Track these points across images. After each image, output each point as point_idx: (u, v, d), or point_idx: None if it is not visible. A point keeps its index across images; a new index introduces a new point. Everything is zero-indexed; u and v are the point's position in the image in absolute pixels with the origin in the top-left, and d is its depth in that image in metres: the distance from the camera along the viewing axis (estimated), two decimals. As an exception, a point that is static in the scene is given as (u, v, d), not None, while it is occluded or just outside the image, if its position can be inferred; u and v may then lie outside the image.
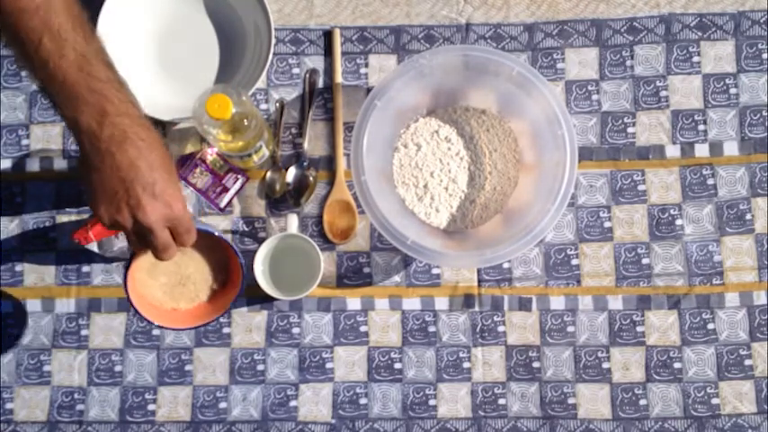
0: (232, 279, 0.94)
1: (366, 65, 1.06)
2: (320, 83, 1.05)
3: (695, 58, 1.05)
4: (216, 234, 0.89)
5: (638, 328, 1.00)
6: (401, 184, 1.02)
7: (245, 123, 0.91)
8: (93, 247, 0.95)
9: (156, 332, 1.00)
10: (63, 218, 1.03)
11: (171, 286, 0.94)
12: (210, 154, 1.02)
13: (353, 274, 1.02)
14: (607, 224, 1.02)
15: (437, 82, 0.98)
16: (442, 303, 1.01)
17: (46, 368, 1.01)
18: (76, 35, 0.65)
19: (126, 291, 0.88)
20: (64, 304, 1.01)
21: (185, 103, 0.95)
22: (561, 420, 0.98)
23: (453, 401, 0.99)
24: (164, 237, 0.71)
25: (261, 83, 1.04)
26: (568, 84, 1.05)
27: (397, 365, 1.00)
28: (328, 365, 1.00)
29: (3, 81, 1.06)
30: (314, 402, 0.99)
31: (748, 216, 1.02)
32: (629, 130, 1.04)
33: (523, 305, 1.01)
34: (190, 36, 1.06)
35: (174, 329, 0.92)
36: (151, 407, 1.00)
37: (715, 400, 0.98)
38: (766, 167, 1.03)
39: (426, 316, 1.01)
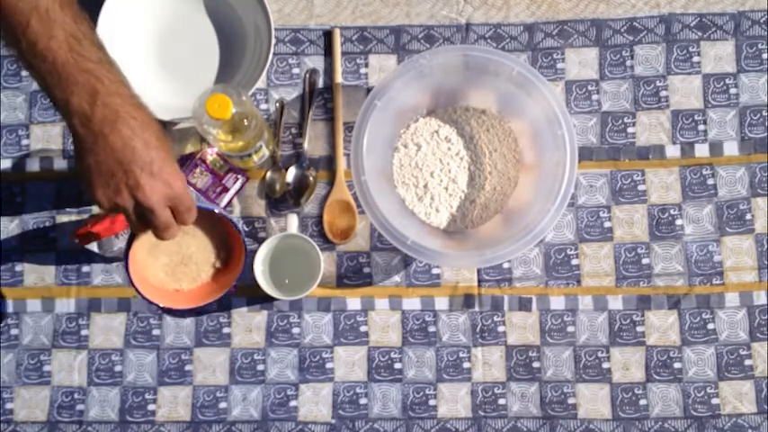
0: (234, 257, 0.93)
1: (366, 65, 1.06)
2: (320, 83, 1.05)
3: (695, 58, 1.05)
4: (216, 211, 0.88)
5: (638, 328, 1.00)
6: (401, 184, 1.02)
7: (245, 123, 0.91)
8: (93, 247, 0.95)
9: (156, 332, 1.01)
10: (63, 218, 1.03)
11: (173, 266, 0.94)
12: (210, 154, 1.02)
13: (353, 274, 1.02)
14: (607, 224, 1.02)
15: (437, 82, 0.98)
16: (441, 303, 1.01)
17: (46, 368, 1.01)
18: (65, 16, 0.63)
19: (128, 273, 0.86)
20: (64, 304, 1.01)
21: (185, 103, 0.95)
22: (561, 420, 0.98)
23: (453, 401, 0.99)
24: (165, 216, 0.69)
25: (261, 83, 1.04)
26: (568, 84, 1.05)
27: (397, 365, 1.00)
28: (328, 365, 1.00)
29: (3, 81, 1.06)
30: (314, 402, 0.99)
31: (748, 216, 1.02)
32: (629, 130, 1.04)
33: (523, 305, 1.01)
34: (190, 36, 1.06)
35: (178, 310, 0.90)
36: (151, 407, 1.00)
37: (715, 400, 0.98)
38: (766, 167, 1.03)
39: (426, 316, 1.01)
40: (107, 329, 1.01)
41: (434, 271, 1.02)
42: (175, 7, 1.05)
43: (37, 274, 1.02)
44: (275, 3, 1.06)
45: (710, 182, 1.02)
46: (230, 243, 0.94)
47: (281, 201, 1.03)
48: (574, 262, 1.01)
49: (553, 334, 1.00)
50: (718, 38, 1.05)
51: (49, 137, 1.05)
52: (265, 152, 1.01)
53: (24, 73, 1.06)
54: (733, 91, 1.04)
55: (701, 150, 1.03)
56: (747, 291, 1.00)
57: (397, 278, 1.01)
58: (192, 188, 1.00)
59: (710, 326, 1.00)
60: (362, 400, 0.99)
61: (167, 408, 1.00)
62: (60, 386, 1.00)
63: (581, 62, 1.05)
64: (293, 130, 1.05)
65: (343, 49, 1.06)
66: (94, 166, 0.66)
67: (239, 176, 1.02)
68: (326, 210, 1.02)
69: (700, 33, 1.05)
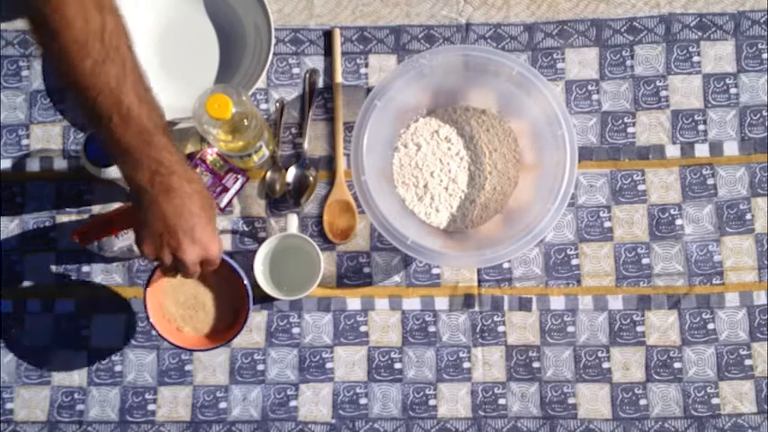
0: (237, 321, 0.94)
1: (366, 65, 1.06)
2: (320, 83, 1.05)
3: (695, 58, 1.05)
4: (244, 282, 0.92)
5: (638, 328, 1.00)
6: (401, 184, 1.02)
7: (245, 123, 0.91)
8: (94, 247, 0.95)
9: (156, 332, 1.00)
10: (63, 218, 1.03)
11: (185, 308, 0.96)
12: (210, 154, 1.02)
13: (353, 274, 1.02)
14: (607, 224, 1.02)
15: (437, 82, 0.98)
16: (441, 303, 1.01)
17: (46, 368, 1.00)
18: (141, 111, 0.74)
19: (145, 292, 0.91)
20: (64, 304, 1.01)
21: (185, 103, 0.95)
22: (561, 420, 0.98)
23: (453, 401, 0.99)
24: (194, 270, 0.82)
25: (261, 83, 1.04)
26: (568, 84, 1.05)
27: (397, 365, 1.00)
28: (328, 365, 1.00)
29: (3, 81, 1.06)
30: (314, 402, 0.99)
31: (748, 216, 1.02)
32: (629, 130, 1.04)
33: (523, 305, 1.01)
34: (190, 36, 1.06)
35: (170, 343, 0.93)
36: (151, 407, 1.00)
37: (715, 400, 0.98)
38: (766, 167, 1.03)
39: (426, 316, 1.01)
40: (107, 329, 1.01)
41: (434, 271, 1.02)
42: (175, 7, 1.05)
43: (37, 274, 1.02)
44: (275, 3, 1.06)
45: (710, 182, 1.02)
46: (239, 306, 0.95)
47: (281, 201, 1.03)
48: (574, 262, 1.01)
49: (553, 334, 1.00)
50: (718, 38, 1.05)
51: (49, 137, 1.05)
52: (265, 152, 1.01)
53: (24, 73, 1.06)
54: (733, 91, 1.04)
55: (701, 150, 1.03)
56: (747, 291, 1.00)
57: (397, 278, 1.01)
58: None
59: (710, 326, 1.00)
60: (362, 400, 0.99)
61: (167, 408, 1.00)
62: (60, 386, 1.00)
63: (581, 62, 1.05)
64: (293, 130, 1.05)
65: (343, 49, 1.06)
66: (147, 225, 0.78)
67: (239, 176, 1.02)
68: (326, 210, 1.02)
69: (700, 33, 1.05)
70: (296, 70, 1.06)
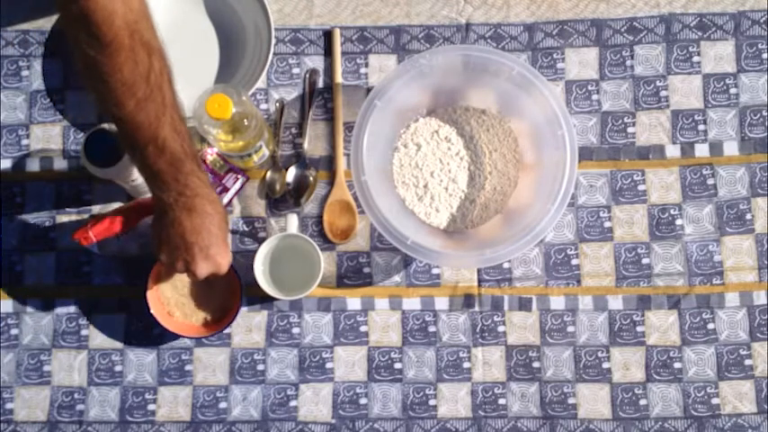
0: (226, 316, 0.98)
1: (366, 65, 1.06)
2: (320, 83, 1.05)
3: (695, 58, 1.05)
4: (240, 282, 0.96)
5: (638, 328, 1.00)
6: (401, 184, 1.02)
7: (245, 123, 0.91)
8: (94, 247, 0.95)
9: (156, 332, 1.00)
10: (63, 218, 1.03)
11: (180, 294, 0.99)
12: (210, 154, 1.02)
13: (353, 274, 1.02)
14: (607, 224, 1.02)
15: (437, 82, 0.98)
16: (442, 303, 1.01)
17: (46, 368, 1.00)
18: (174, 143, 0.79)
19: (148, 279, 0.96)
20: (64, 304, 1.01)
21: (185, 103, 0.95)
22: (561, 420, 0.98)
23: (453, 401, 0.99)
24: (201, 278, 0.87)
25: (261, 83, 1.04)
26: (568, 84, 1.05)
27: (397, 365, 1.00)
28: (328, 365, 1.00)
29: (3, 81, 1.06)
30: (314, 402, 0.99)
31: (748, 216, 1.02)
32: (629, 129, 1.04)
33: (523, 305, 1.01)
34: (190, 36, 1.06)
35: (164, 327, 0.97)
36: (151, 407, 1.00)
37: (715, 400, 0.98)
38: (766, 167, 1.03)
39: (426, 316, 1.01)
40: (107, 329, 1.01)
41: (434, 271, 1.02)
42: (175, 7, 1.05)
43: (37, 274, 1.02)
44: (275, 3, 1.06)
45: (710, 182, 1.02)
46: (230, 303, 0.98)
47: (281, 201, 1.03)
48: (574, 262, 1.01)
49: (553, 334, 1.00)
50: (718, 38, 1.05)
51: (49, 137, 1.05)
52: (265, 152, 1.01)
53: (24, 73, 1.06)
54: (733, 91, 1.04)
55: (701, 150, 1.03)
56: (747, 291, 1.00)
57: (397, 278, 1.01)
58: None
59: (710, 326, 1.00)
60: (362, 400, 0.99)
61: (167, 408, 1.00)
62: (60, 386, 1.00)
63: (581, 62, 1.05)
64: (293, 130, 1.05)
65: (343, 49, 1.06)
66: (166, 237, 0.84)
67: (239, 176, 1.02)
68: (326, 210, 1.02)
69: (700, 33, 1.05)
70: (296, 70, 1.06)
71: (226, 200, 1.02)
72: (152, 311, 0.96)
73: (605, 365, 0.99)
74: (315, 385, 1.00)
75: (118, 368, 1.00)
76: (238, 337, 1.01)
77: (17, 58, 1.06)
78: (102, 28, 0.72)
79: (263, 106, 1.05)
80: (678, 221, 1.02)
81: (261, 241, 0.99)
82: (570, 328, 1.00)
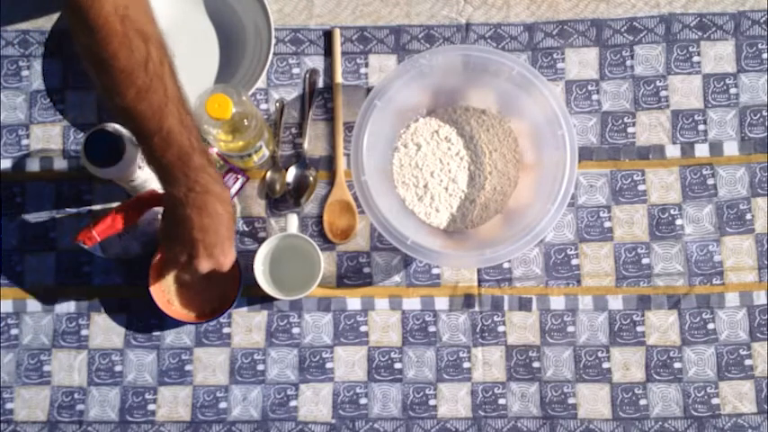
0: (222, 306, 0.98)
1: (366, 65, 1.06)
2: (320, 83, 1.05)
3: (695, 58, 1.05)
4: (240, 271, 0.97)
5: (638, 328, 1.00)
6: (401, 184, 1.02)
7: (245, 123, 0.91)
8: (97, 250, 0.95)
9: (156, 332, 1.01)
10: (63, 218, 1.03)
11: (180, 283, 0.99)
12: (210, 154, 1.02)
13: (353, 274, 1.02)
14: (607, 224, 1.02)
15: (437, 82, 0.98)
16: (442, 303, 1.01)
17: (46, 368, 1.00)
18: (181, 136, 0.79)
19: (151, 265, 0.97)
20: (64, 304, 1.01)
21: (185, 103, 0.95)
22: (561, 420, 0.98)
23: (453, 401, 0.99)
24: (203, 272, 0.88)
25: (261, 83, 1.04)
26: (568, 84, 1.05)
27: (397, 365, 1.00)
28: (328, 365, 1.00)
29: (3, 81, 1.06)
30: (314, 402, 0.99)
31: (748, 216, 1.02)
32: (629, 130, 1.04)
33: (523, 305, 1.01)
34: (190, 36, 1.06)
35: (161, 310, 0.97)
36: (151, 407, 1.00)
37: (715, 400, 0.98)
38: (766, 167, 1.03)
39: (426, 316, 1.01)
40: (107, 329, 1.01)
41: (434, 271, 1.02)
42: (175, 7, 1.05)
43: (37, 274, 1.02)
44: (275, 3, 1.06)
45: (710, 182, 1.02)
46: (230, 292, 0.98)
47: (281, 201, 1.03)
48: (574, 262, 1.01)
49: (553, 334, 1.00)
50: (718, 38, 1.05)
51: (49, 137, 1.05)
52: (265, 152, 1.01)
53: (24, 73, 1.06)
54: (733, 91, 1.04)
55: (701, 150, 1.03)
56: (747, 291, 1.00)
57: (397, 278, 1.01)
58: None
59: (710, 326, 1.00)
60: (362, 400, 0.99)
61: (167, 408, 1.00)
62: (60, 386, 1.00)
63: (581, 62, 1.05)
64: (293, 130, 1.05)
65: (343, 49, 1.06)
66: (175, 233, 0.85)
67: (239, 176, 1.02)
68: (326, 210, 1.02)
69: (700, 33, 1.05)
70: (296, 70, 1.06)
71: (226, 200, 1.02)
72: (153, 297, 0.96)
73: (605, 365, 0.99)
74: (315, 385, 1.00)
75: (118, 368, 1.00)
76: (238, 337, 1.01)
77: (17, 58, 1.06)
78: (91, 13, 0.73)
79: (263, 106, 1.05)
80: (678, 221, 1.02)
81: (261, 241, 0.99)
82: (570, 328, 1.00)
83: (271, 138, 1.02)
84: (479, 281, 1.01)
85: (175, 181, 0.81)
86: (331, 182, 1.03)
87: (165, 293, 0.99)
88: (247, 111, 0.91)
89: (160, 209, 0.95)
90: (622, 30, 1.06)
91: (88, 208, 1.03)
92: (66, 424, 0.99)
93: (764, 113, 1.04)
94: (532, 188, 1.00)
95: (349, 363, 1.00)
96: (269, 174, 1.03)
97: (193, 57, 1.05)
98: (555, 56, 1.05)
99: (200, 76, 1.05)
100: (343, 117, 1.04)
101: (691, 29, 1.05)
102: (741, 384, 0.99)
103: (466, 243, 1.00)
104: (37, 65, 1.06)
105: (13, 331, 1.01)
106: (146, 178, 0.95)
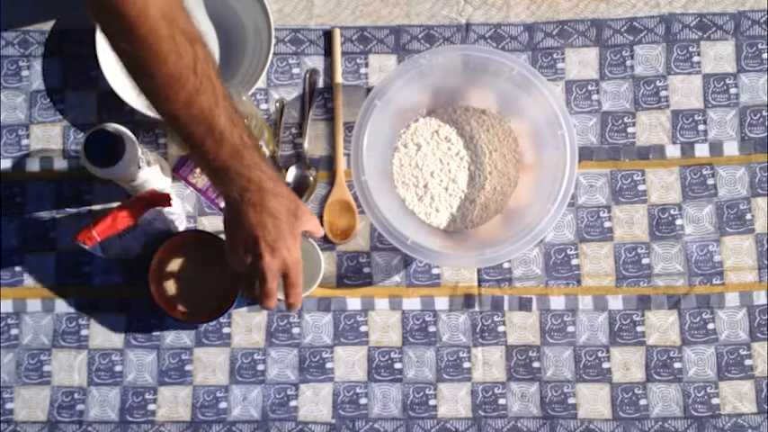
0: (220, 308, 0.97)
1: (366, 65, 1.06)
2: (320, 83, 1.05)
3: (695, 58, 1.05)
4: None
5: (638, 328, 1.00)
6: (401, 184, 1.02)
7: (245, 123, 0.91)
8: (97, 250, 0.95)
9: (156, 332, 1.01)
10: (63, 218, 1.03)
11: (183, 283, 0.99)
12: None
13: (353, 274, 1.02)
14: (607, 224, 1.02)
15: (437, 82, 0.98)
16: (442, 303, 1.01)
17: (46, 368, 1.00)
18: (233, 135, 0.77)
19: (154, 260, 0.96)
20: (64, 304, 1.01)
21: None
22: (561, 420, 0.98)
23: (453, 401, 0.99)
24: (272, 286, 0.82)
25: (261, 83, 1.04)
26: (568, 84, 1.05)
27: (397, 365, 1.00)
28: (328, 365, 1.00)
29: (3, 81, 1.06)
30: (314, 402, 0.99)
31: (748, 216, 1.02)
32: (629, 130, 1.04)
33: (523, 305, 1.01)
34: (190, 36, 1.06)
35: (161, 309, 0.97)
36: (151, 407, 1.00)
37: (715, 400, 0.98)
38: (766, 167, 1.03)
39: (426, 316, 1.01)
40: (107, 329, 1.01)
41: (434, 271, 1.02)
42: (175, 7, 1.05)
43: (37, 274, 1.02)
44: (275, 3, 1.06)
45: (710, 182, 1.02)
46: (226, 296, 0.97)
47: (281, 201, 1.03)
48: (574, 262, 1.01)
49: (553, 334, 1.00)
50: (718, 38, 1.05)
51: (49, 137, 1.05)
52: (265, 152, 1.01)
53: (24, 73, 1.06)
54: (733, 91, 1.04)
55: (701, 150, 1.03)
56: (747, 291, 1.00)
57: (397, 278, 1.01)
58: (191, 188, 1.00)
59: (710, 326, 1.00)
60: (362, 400, 0.99)
61: (167, 408, 1.00)
62: (60, 386, 1.00)
63: (581, 62, 1.05)
64: (293, 130, 1.05)
65: (343, 49, 1.06)
66: (235, 234, 0.82)
67: (239, 176, 1.02)
68: (326, 210, 1.02)
69: (700, 33, 1.05)
70: (296, 70, 1.06)
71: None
72: (153, 297, 0.96)
73: (605, 365, 0.99)
74: (315, 385, 1.00)
75: (118, 368, 1.00)
76: (238, 337, 1.01)
77: (17, 58, 1.06)
78: (137, 19, 0.67)
79: (263, 106, 1.05)
80: (678, 221, 1.02)
81: (261, 241, 0.99)
82: (570, 328, 1.00)
83: (271, 138, 1.02)
84: (479, 281, 1.01)
85: (230, 181, 0.79)
86: (331, 182, 1.03)
87: (164, 293, 0.99)
88: (247, 111, 0.91)
89: (160, 209, 0.95)
90: (622, 30, 1.06)
91: (88, 208, 1.03)
92: (66, 424, 0.99)
93: (764, 113, 1.04)
94: (532, 188, 1.00)
95: (349, 363, 1.00)
96: (269, 174, 1.03)
97: (193, 57, 1.05)
98: (555, 56, 1.05)
99: (201, 76, 1.05)
100: (343, 117, 1.04)
101: (691, 29, 1.05)
102: (741, 384, 0.99)
103: (466, 243, 1.01)
104: (37, 65, 1.06)
105: (13, 331, 1.01)
106: (146, 178, 0.95)
